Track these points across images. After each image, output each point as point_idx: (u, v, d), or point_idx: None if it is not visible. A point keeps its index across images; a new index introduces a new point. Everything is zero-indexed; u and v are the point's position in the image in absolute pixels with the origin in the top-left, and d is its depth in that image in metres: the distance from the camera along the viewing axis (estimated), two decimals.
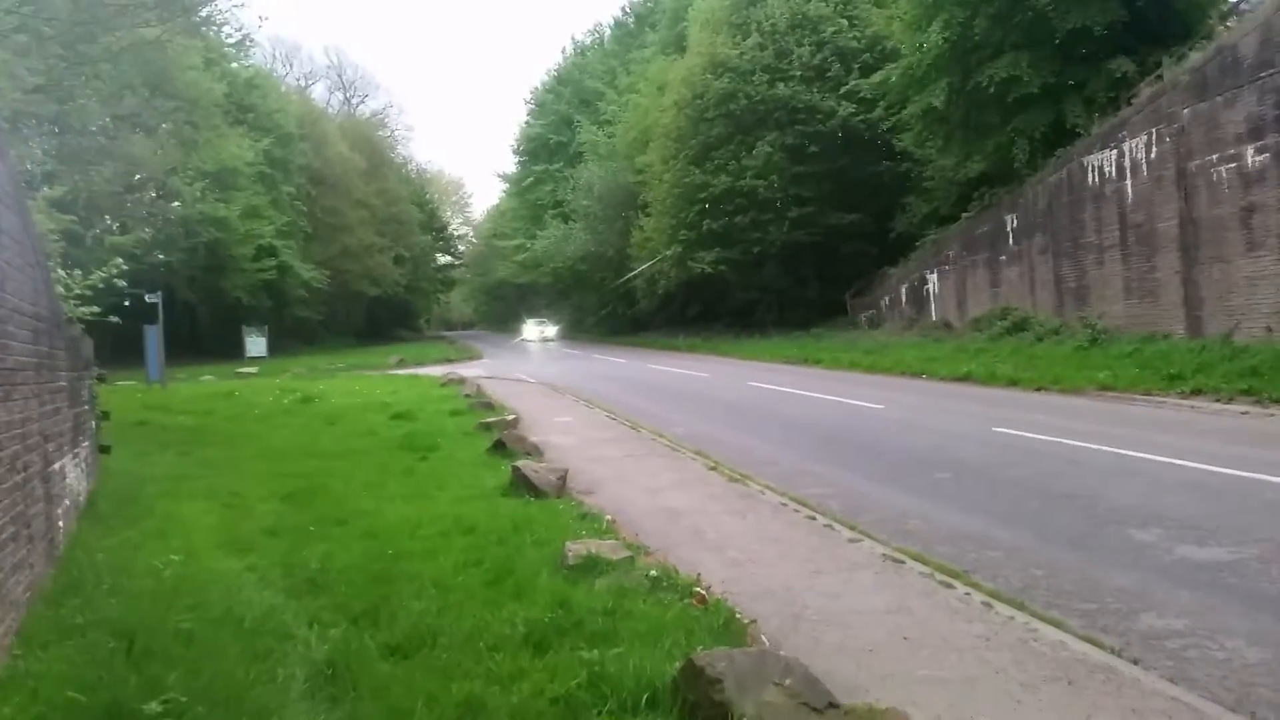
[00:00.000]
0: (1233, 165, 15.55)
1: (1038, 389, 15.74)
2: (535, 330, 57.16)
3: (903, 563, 5.72)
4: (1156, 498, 7.21)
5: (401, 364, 34.84)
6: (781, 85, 33.12)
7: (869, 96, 29.41)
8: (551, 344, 50.11)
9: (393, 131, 68.96)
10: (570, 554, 5.43)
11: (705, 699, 3.22)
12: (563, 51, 71.20)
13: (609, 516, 6.89)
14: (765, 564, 5.76)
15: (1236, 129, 15.46)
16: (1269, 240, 14.82)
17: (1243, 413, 11.77)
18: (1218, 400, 12.63)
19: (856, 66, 31.88)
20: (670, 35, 48.76)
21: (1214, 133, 16.01)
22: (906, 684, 3.87)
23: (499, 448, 10.18)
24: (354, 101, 67.27)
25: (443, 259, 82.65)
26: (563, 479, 8.05)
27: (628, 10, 63.42)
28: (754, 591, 5.10)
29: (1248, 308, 15.28)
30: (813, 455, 10.44)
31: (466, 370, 27.71)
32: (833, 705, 3.24)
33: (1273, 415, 11.39)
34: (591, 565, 5.26)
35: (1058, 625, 4.53)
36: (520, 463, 8.44)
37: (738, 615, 4.52)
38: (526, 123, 70.35)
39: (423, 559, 5.72)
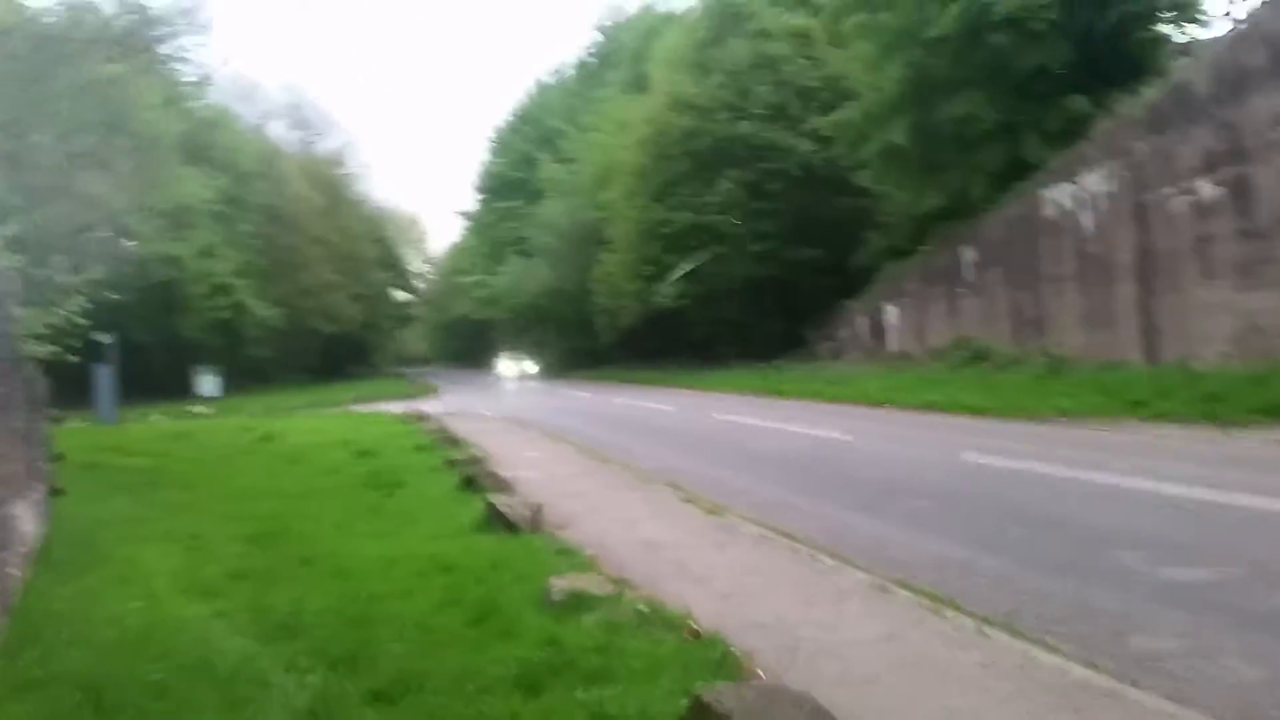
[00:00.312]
0: (1188, 198, 15.96)
1: (1001, 417, 15.85)
2: (512, 368, 54.28)
3: (890, 591, 5.65)
4: (1135, 521, 7.24)
5: (360, 401, 34.35)
6: (743, 123, 33.54)
7: (828, 134, 29.84)
8: (530, 383, 46.75)
9: (351, 169, 68.61)
10: (555, 590, 5.27)
11: None
12: (526, 92, 71.56)
13: (589, 551, 6.74)
14: (754, 596, 5.65)
15: (1190, 162, 15.89)
16: (1222, 269, 15.18)
17: (1205, 437, 11.95)
18: (1179, 425, 12.82)
19: (815, 105, 32.40)
20: (631, 74, 49.27)
21: (1169, 166, 16.44)
22: (912, 716, 3.78)
23: (468, 483, 9.97)
24: (312, 139, 66.86)
25: (400, 296, 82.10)
26: (537, 513, 7.89)
27: (591, 52, 64.04)
28: (746, 624, 4.99)
29: (1203, 334, 15.61)
30: (786, 486, 10.38)
31: (426, 406, 27.34)
32: None
33: (1234, 438, 11.58)
34: (578, 602, 5.10)
35: (1054, 650, 4.48)
36: (493, 498, 8.27)
37: (733, 649, 4.40)
38: (488, 161, 70.47)
39: (400, 599, 5.53)
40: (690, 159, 34.73)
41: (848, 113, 27.47)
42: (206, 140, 39.34)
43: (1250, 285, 14.66)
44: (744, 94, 34.17)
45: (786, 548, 6.93)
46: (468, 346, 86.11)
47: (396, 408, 27.53)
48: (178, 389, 36.24)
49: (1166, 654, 4.39)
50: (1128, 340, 17.67)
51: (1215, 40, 17.54)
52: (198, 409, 29.73)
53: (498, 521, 7.58)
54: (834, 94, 31.24)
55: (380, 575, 6.17)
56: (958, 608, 5.23)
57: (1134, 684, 3.96)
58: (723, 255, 33.82)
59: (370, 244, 64.90)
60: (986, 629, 4.80)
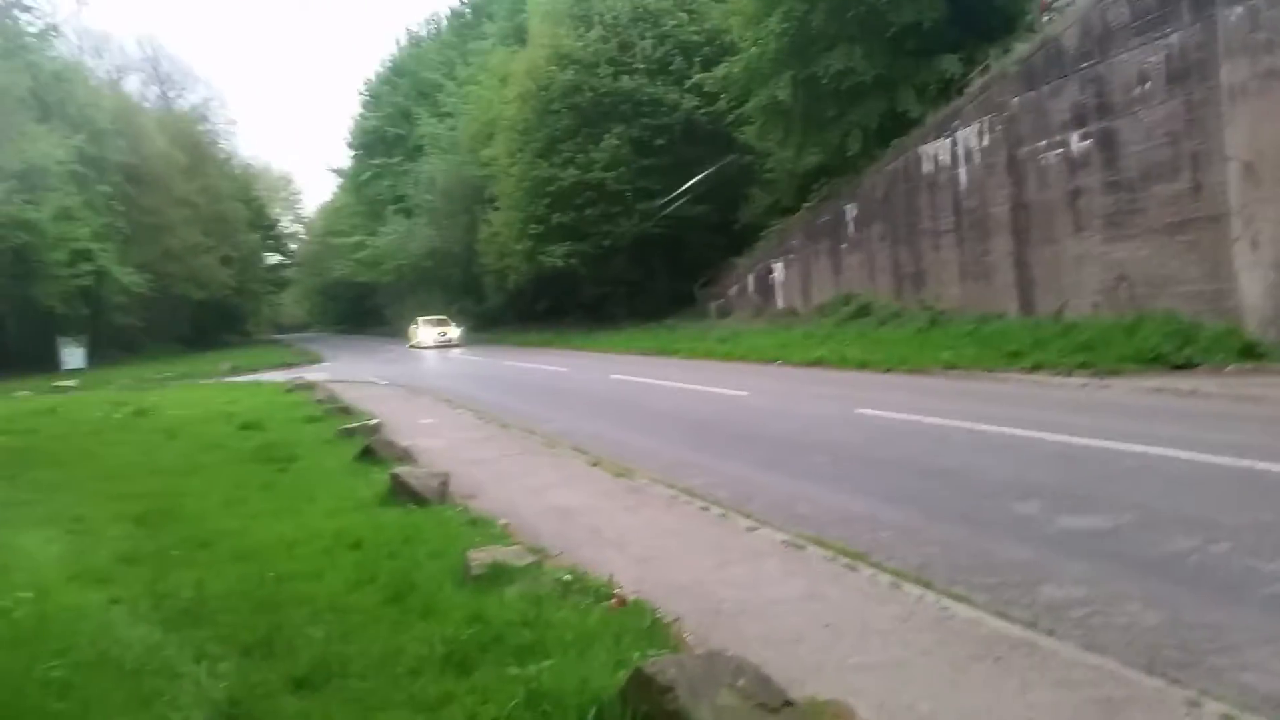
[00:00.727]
0: (1059, 151, 16.66)
1: (887, 370, 16.36)
2: (432, 333, 41.60)
3: (804, 548, 5.76)
4: (1027, 470, 7.58)
5: (237, 371, 32.97)
6: (626, 78, 33.25)
7: (712, 90, 29.87)
8: (455, 351, 38.32)
9: (215, 126, 65.16)
10: (473, 563, 5.17)
11: (657, 708, 3.09)
12: (397, 43, 68.91)
13: (502, 520, 6.65)
14: (671, 559, 5.68)
15: (1062, 117, 16.57)
16: (1094, 222, 15.95)
17: (1081, 385, 12.61)
18: (1056, 374, 13.49)
19: (698, 60, 32.33)
20: (510, 26, 48.13)
21: (1041, 121, 17.10)
22: (839, 673, 3.86)
23: (367, 454, 9.69)
24: (172, 95, 63.12)
25: (273, 258, 78.93)
26: (445, 483, 7.73)
27: (464, 2, 62.19)
28: (667, 588, 5.00)
29: (1076, 286, 16.41)
30: (689, 445, 10.48)
31: (311, 375, 26.47)
32: (788, 703, 3.17)
33: (1108, 386, 12.25)
34: (498, 574, 5.01)
35: (967, 602, 4.65)
36: (398, 469, 8.06)
37: (660, 615, 4.41)
38: (361, 115, 68.00)
39: (308, 580, 5.33)
40: (574, 114, 34.26)
41: (730, 68, 27.53)
42: (57, 96, 36.65)
43: (1118, 237, 15.46)
44: (626, 48, 33.85)
45: (698, 508, 6.99)
46: (349, 310, 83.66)
47: (278, 377, 26.58)
48: (39, 362, 34.12)
49: (1074, 602, 4.61)
50: (1004, 293, 18.44)
51: None
52: (64, 383, 27.98)
53: (403, 493, 7.39)
54: (716, 49, 31.26)
55: (284, 555, 5.94)
56: (872, 562, 5.37)
57: (1049, 633, 4.15)
58: (611, 213, 33.66)
59: (240, 204, 61.96)
60: (902, 583, 4.94)
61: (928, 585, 4.91)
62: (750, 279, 30.01)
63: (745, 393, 14.75)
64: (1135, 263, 15.10)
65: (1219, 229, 13.54)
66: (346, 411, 14.86)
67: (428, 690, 3.62)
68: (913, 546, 5.79)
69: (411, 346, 42.09)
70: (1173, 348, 13.11)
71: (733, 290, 31.12)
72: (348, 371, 28.55)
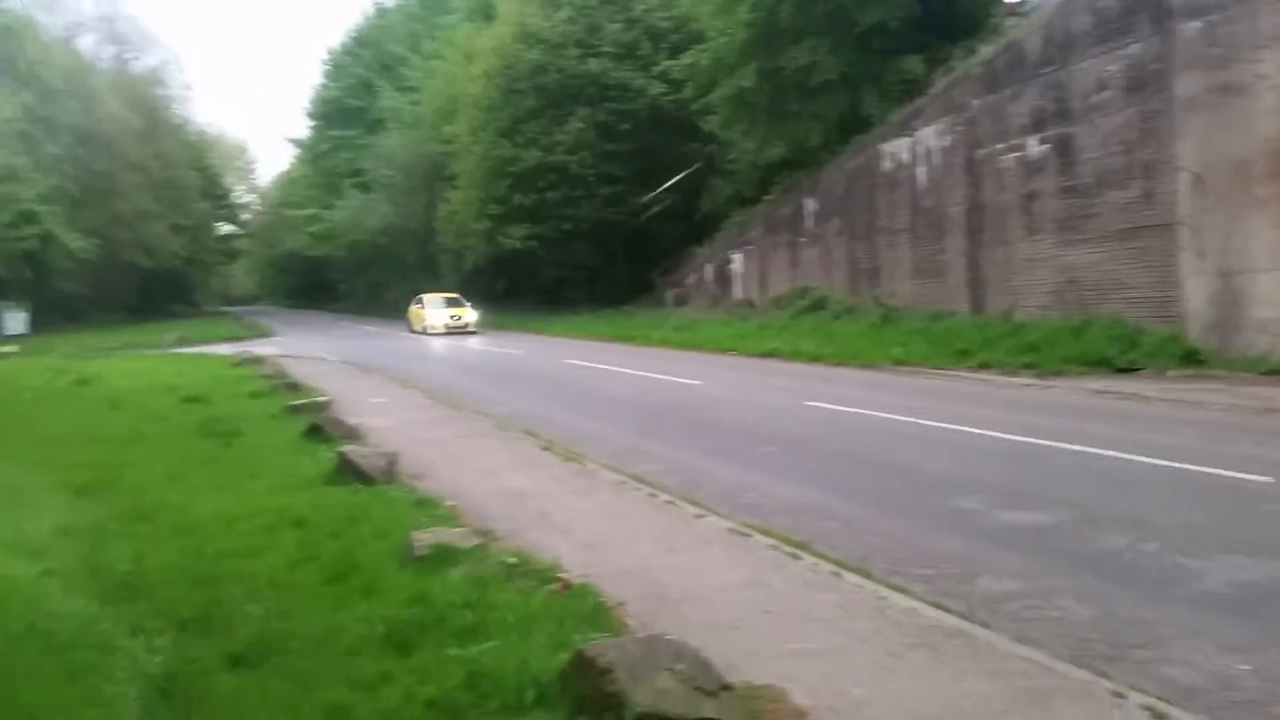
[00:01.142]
0: (1017, 154, 16.91)
1: (839, 364, 16.57)
2: (443, 315, 32.86)
3: (749, 536, 5.82)
4: (969, 466, 7.73)
5: (184, 342, 32.34)
6: (593, 61, 33.02)
7: (678, 77, 29.82)
8: (472, 335, 31.41)
9: (171, 90, 63.51)
10: (417, 544, 5.15)
11: (596, 691, 3.11)
12: (362, 13, 67.68)
13: (450, 502, 6.62)
14: (618, 545, 5.71)
15: (1021, 120, 16.81)
16: (1046, 225, 16.23)
17: (1026, 384, 12.87)
18: (1003, 373, 13.74)
19: (665, 47, 32.23)
20: (477, 2, 47.50)
21: (1001, 123, 17.34)
22: (778, 658, 3.91)
23: (315, 432, 9.58)
24: (127, 57, 61.26)
25: (225, 228, 77.37)
26: (393, 463, 7.68)
27: None
28: (612, 573, 5.03)
29: (1026, 287, 16.71)
30: (641, 432, 10.51)
31: (260, 349, 26.06)
32: (725, 687, 3.21)
33: (1053, 387, 12.52)
34: (442, 555, 5.00)
35: (905, 592, 4.73)
36: (345, 447, 7.98)
37: (604, 599, 4.43)
38: (322, 85, 66.70)
39: (249, 557, 5.28)
40: (539, 95, 33.97)
41: (697, 56, 27.51)
42: (6, 51, 35.50)
43: (1069, 241, 15.75)
44: (594, 30, 33.63)
45: (647, 494, 7.02)
46: (302, 284, 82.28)
47: (226, 350, 26.13)
48: None
49: (1009, 595, 4.73)
50: (956, 291, 18.71)
51: (1047, 2, 18.49)
52: (4, 349, 27.24)
53: (349, 472, 7.33)
54: (684, 36, 31.15)
55: (225, 531, 5.87)
56: (815, 552, 5.44)
57: (983, 624, 4.24)
58: (573, 198, 33.49)
59: (193, 172, 60.51)
60: (843, 572, 5.02)
61: (868, 575, 5.00)
62: (709, 269, 30.08)
63: (699, 382, 14.82)
64: (1085, 267, 15.40)
65: (1167, 237, 13.86)
66: (294, 388, 14.66)
67: (366, 669, 3.61)
68: (856, 537, 5.88)
69: (415, 332, 33.36)
70: (1117, 351, 13.43)
71: (691, 279, 31.17)
72: (298, 347, 28.15)
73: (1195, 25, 13.25)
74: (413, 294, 37.68)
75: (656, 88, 32.29)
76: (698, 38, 28.31)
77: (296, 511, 6.22)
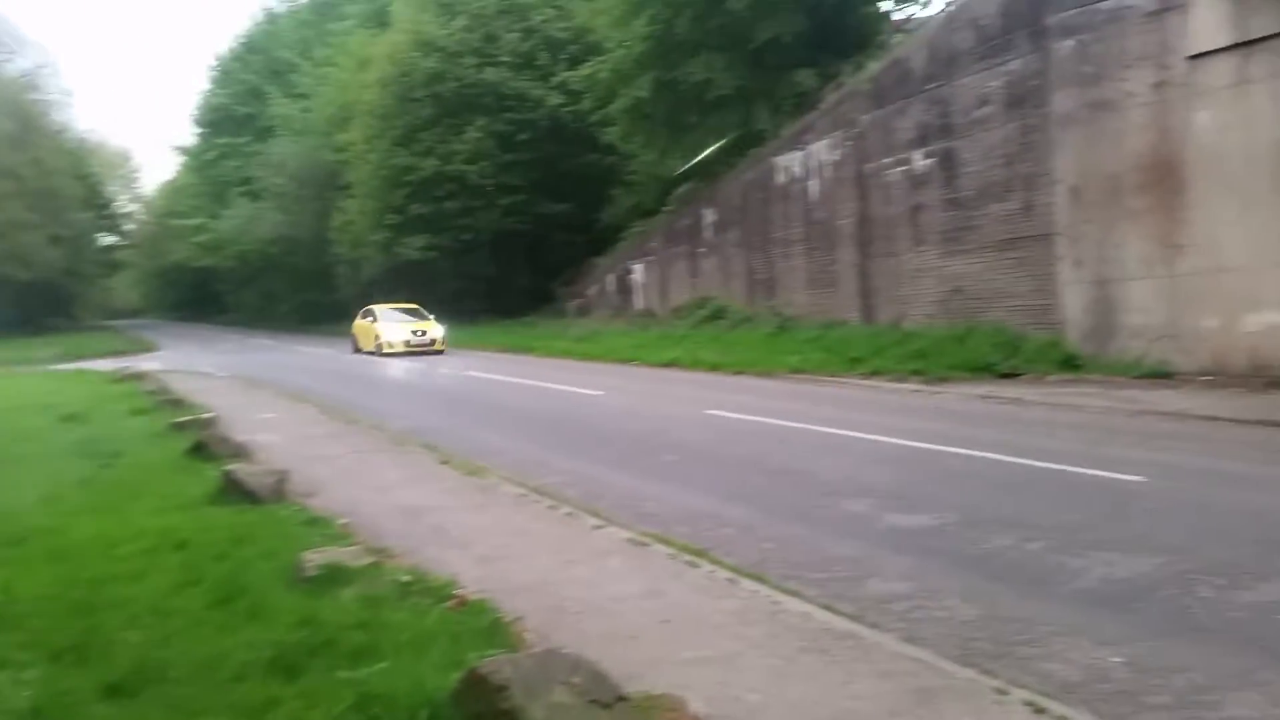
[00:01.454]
0: (903, 168, 17.50)
1: (738, 372, 16.83)
2: (399, 331, 26.91)
3: (648, 545, 5.84)
4: (861, 471, 7.94)
5: (62, 358, 30.72)
6: (491, 70, 32.83)
7: (577, 88, 29.87)
8: (435, 355, 25.81)
9: (48, 95, 60.41)
10: (307, 564, 4.98)
11: (491, 708, 3.06)
12: (251, 18, 65.75)
13: (342, 520, 6.44)
14: (516, 558, 5.65)
15: (907, 135, 17.41)
16: (932, 236, 16.84)
17: (915, 390, 13.30)
18: (893, 380, 14.17)
19: (564, 57, 32.26)
20: (371, 9, 46.70)
21: (888, 138, 17.92)
22: (675, 667, 3.93)
23: (199, 450, 9.20)
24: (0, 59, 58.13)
25: (107, 239, 73.88)
26: (282, 481, 7.43)
27: None
28: (510, 588, 4.97)
29: (914, 297, 17.29)
30: (542, 444, 10.45)
31: (143, 364, 24.95)
32: (621, 698, 3.20)
33: (939, 392, 12.97)
34: (333, 575, 4.85)
35: (798, 596, 4.82)
36: (232, 466, 7.69)
37: (501, 615, 4.38)
38: (210, 92, 64.48)
39: (129, 582, 5.02)
40: (436, 103, 33.55)
41: (596, 67, 27.65)
42: None
43: (954, 251, 16.37)
44: (491, 39, 33.43)
45: (547, 507, 6.98)
46: (188, 297, 79.23)
47: (108, 365, 24.94)
48: None
49: (897, 596, 4.86)
50: (848, 301, 19.23)
51: (931, 19, 19.22)
52: None
53: (236, 491, 7.06)
54: (582, 47, 31.26)
55: (103, 555, 5.58)
56: (712, 559, 5.49)
57: (873, 626, 4.34)
58: (472, 207, 33.16)
59: (73, 180, 57.58)
60: (739, 579, 5.08)
61: (763, 580, 5.07)
62: (610, 279, 30.19)
63: (601, 392, 14.83)
64: (969, 276, 16.03)
65: (1046, 247, 14.53)
66: (179, 404, 14.07)
67: (251, 695, 3.48)
68: (752, 543, 5.97)
69: (365, 353, 27.38)
70: (1000, 357, 14.02)
71: (593, 290, 31.23)
72: (184, 361, 27.06)
73: (1069, 44, 13.95)
74: (307, 306, 35.37)
75: (555, 98, 32.29)
76: (596, 49, 28.45)
77: (179, 534, 5.96)
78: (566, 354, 23.07)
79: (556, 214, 33.26)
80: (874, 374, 14.79)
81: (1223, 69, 12.04)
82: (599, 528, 6.30)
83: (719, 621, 4.47)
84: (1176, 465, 7.88)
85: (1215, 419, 10.01)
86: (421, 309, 28.99)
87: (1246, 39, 11.72)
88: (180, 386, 16.98)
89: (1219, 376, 12.05)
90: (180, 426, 11.11)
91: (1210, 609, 4.51)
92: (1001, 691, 3.58)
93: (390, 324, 27.30)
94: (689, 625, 4.44)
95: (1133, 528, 5.98)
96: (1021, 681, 3.71)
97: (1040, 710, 3.41)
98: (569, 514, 6.73)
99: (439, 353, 26.00)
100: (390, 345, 26.19)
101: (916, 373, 14.17)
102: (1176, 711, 3.49)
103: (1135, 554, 5.38)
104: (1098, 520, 6.15)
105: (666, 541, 5.90)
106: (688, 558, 5.53)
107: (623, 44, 25.19)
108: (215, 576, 5.01)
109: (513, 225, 33.41)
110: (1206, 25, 12.11)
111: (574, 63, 30.66)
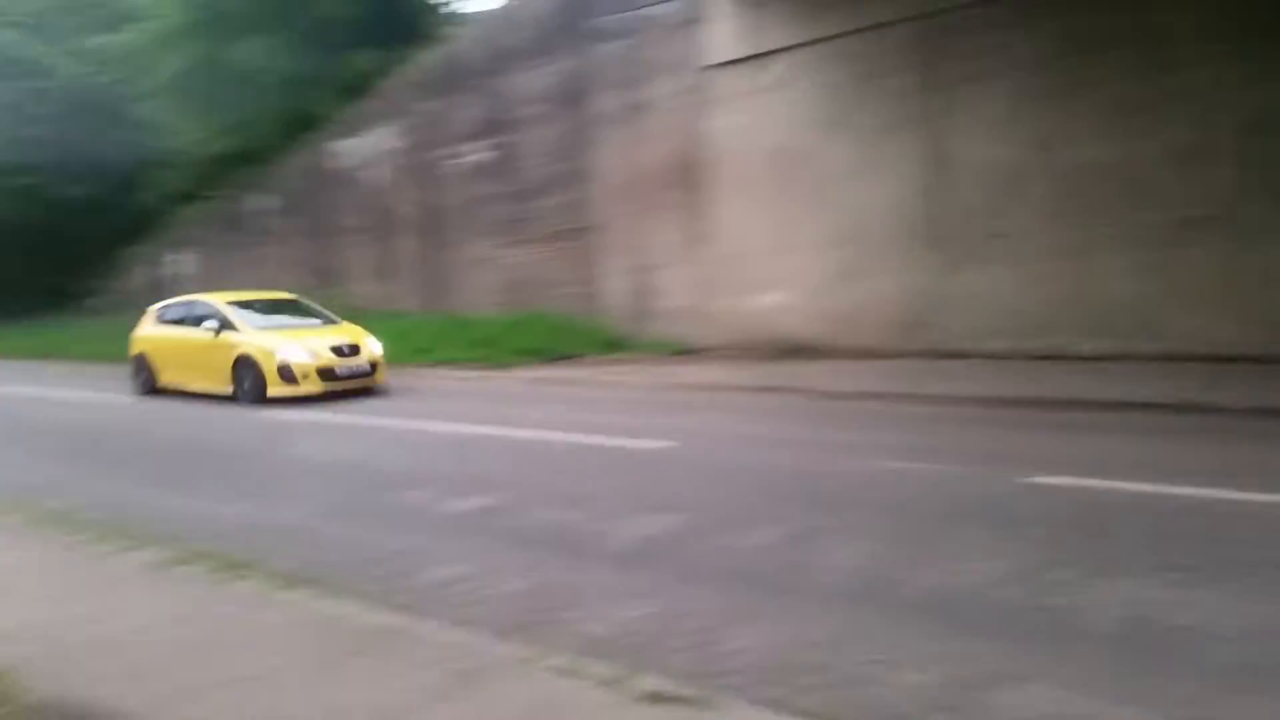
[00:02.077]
0: (462, 160, 17.79)
1: None
2: (298, 351, 12.75)
3: (185, 565, 5.32)
4: (421, 460, 7.98)
5: None
6: None
7: (106, 59, 26.35)
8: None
9: None
10: None
11: None
12: None
13: None
14: (15, 601, 4.84)
15: (464, 128, 17.72)
16: (490, 228, 17.34)
17: (480, 376, 13.64)
18: (460, 368, 14.40)
19: (87, 22, 28.26)
20: None
21: (446, 130, 18.11)
22: (212, 691, 3.63)
23: None
24: None
25: None
26: None
27: None
28: (5, 633, 4.25)
29: (475, 286, 17.70)
30: (62, 462, 9.15)
31: None
32: None
33: (502, 377, 13.43)
34: None
35: (352, 596, 4.69)
36: None
37: None
38: None
39: None
40: None
41: (128, 36, 24.57)
42: None
43: (511, 243, 17.01)
44: None
45: (61, 537, 6.08)
46: None
47: None
48: None
49: (453, 580, 4.92)
50: (411, 291, 19.19)
51: (488, 14, 19.61)
52: None
53: None
54: (111, 14, 27.65)
55: None
56: (261, 570, 5.16)
57: (424, 616, 4.35)
58: None
59: None
60: (289, 587, 4.83)
61: (317, 585, 4.86)
62: (153, 270, 27.12)
63: (133, 399, 13.29)
64: (525, 267, 16.78)
65: (591, 239, 15.64)
66: None
67: None
68: (307, 547, 5.71)
69: (238, 400, 12.82)
70: (555, 342, 14.87)
71: (137, 281, 27.85)
72: None
73: (610, 48, 15.10)
74: None
75: (76, 67, 28.19)
76: (129, 15, 25.28)
77: None
78: (98, 356, 20.35)
79: (80, 199, 29.09)
80: (441, 363, 14.96)
81: (736, 79, 13.79)
82: (125, 551, 5.62)
83: (263, 636, 4.19)
84: (703, 431, 8.91)
85: (739, 388, 11.47)
86: (303, 299, 15.88)
87: (758, 52, 13.53)
88: None
89: (740, 350, 13.87)
90: None
91: (724, 557, 5.14)
92: (542, 658, 3.77)
93: (288, 343, 13.08)
94: (228, 646, 4.11)
95: (660, 490, 6.65)
96: (562, 645, 3.93)
97: (574, 671, 3.61)
98: (87, 542, 5.92)
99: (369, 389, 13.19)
100: (302, 376, 12.70)
101: (481, 360, 14.54)
102: (685, 653, 3.92)
103: (664, 513, 5.97)
104: (636, 485, 6.76)
105: (209, 557, 5.43)
106: (232, 572, 5.13)
107: (161, 13, 22.67)
108: None
109: (31, 212, 28.67)
110: (724, 38, 13.78)
111: (99, 28, 26.98)
